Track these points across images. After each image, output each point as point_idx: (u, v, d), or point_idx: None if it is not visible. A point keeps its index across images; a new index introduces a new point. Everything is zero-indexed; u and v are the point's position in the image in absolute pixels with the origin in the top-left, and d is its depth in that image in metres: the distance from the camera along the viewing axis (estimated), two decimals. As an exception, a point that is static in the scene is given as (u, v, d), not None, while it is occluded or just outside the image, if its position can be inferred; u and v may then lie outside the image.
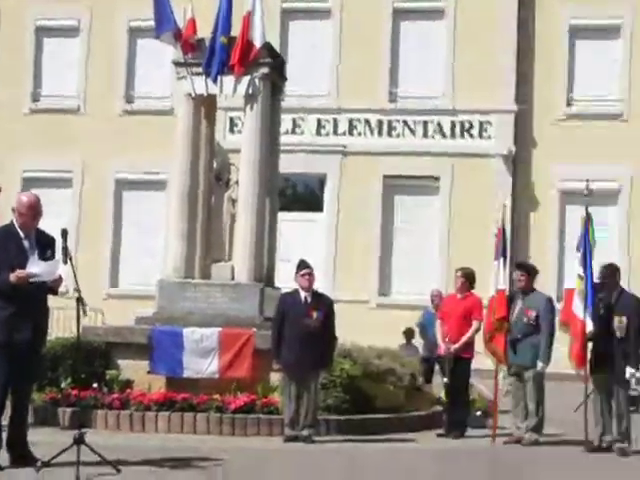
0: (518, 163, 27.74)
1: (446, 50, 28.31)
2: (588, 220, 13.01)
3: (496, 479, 10.41)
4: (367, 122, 28.24)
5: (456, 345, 13.11)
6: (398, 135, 28.15)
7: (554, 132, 27.74)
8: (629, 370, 11.98)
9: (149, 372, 13.13)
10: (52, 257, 9.30)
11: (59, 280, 9.22)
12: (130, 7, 28.06)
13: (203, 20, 14.17)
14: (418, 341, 18.56)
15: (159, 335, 13.18)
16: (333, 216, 28.17)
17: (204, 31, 13.96)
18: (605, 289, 12.39)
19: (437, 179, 27.87)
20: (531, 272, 13.35)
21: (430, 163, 27.67)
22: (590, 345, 12.23)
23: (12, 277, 9.00)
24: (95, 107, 28.77)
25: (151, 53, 27.60)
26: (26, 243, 9.31)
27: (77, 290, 8.98)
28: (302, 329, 12.00)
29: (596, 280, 12.50)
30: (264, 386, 12.96)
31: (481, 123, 27.93)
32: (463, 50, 27.93)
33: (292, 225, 25.25)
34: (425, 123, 28.09)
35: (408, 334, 19.27)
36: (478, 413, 14.24)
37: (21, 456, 9.23)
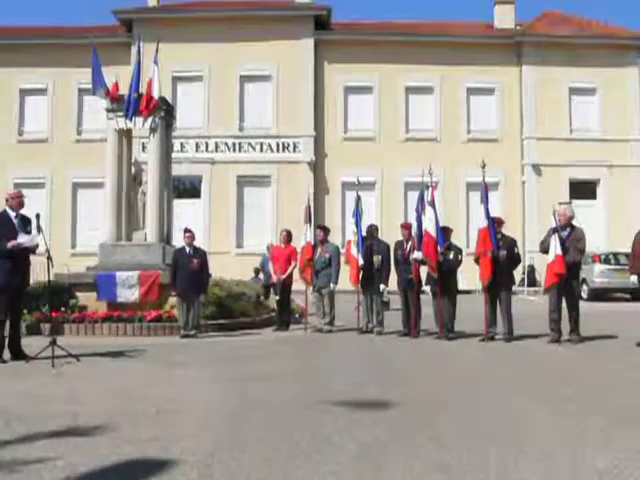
0: (317, 167, 28.25)
1: (272, 98, 28.55)
2: (359, 199, 13.49)
3: (306, 350, 10.72)
4: (226, 144, 28.30)
5: (283, 276, 13.48)
6: (245, 151, 28.36)
7: (337, 148, 28.38)
8: (382, 286, 12.58)
9: (97, 300, 12.98)
10: (30, 231, 9.32)
11: (36, 246, 9.25)
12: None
13: (123, 83, 14.08)
14: (261, 275, 18.92)
15: (101, 277, 13.02)
16: (206, 201, 28.17)
17: (123, 90, 13.83)
18: (368, 239, 12.90)
19: (268, 177, 28.23)
20: (326, 230, 13.71)
21: (265, 168, 28.09)
22: (361, 272, 12.71)
23: (9, 245, 8.99)
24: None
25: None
26: (16, 222, 9.29)
27: (47, 251, 9.04)
28: (187, 269, 12.10)
29: (364, 234, 12.99)
30: (167, 305, 12.99)
31: (294, 143, 28.26)
32: (284, 100, 28.27)
33: (182, 207, 25.17)
34: (261, 143, 28.37)
35: (256, 271, 19.62)
36: (297, 315, 14.67)
37: (18, 354, 9.21)
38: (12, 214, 9.27)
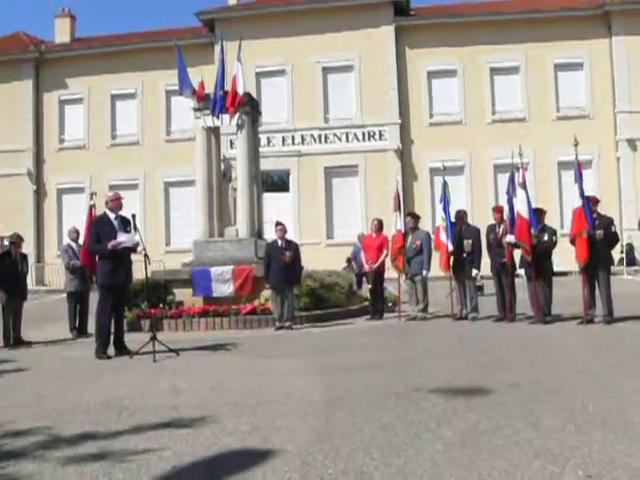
0: (404, 154, 28.07)
1: (355, 88, 28.54)
2: (445, 185, 13.32)
3: (400, 338, 10.66)
4: (312, 136, 28.46)
5: (375, 265, 13.45)
6: (331, 142, 28.44)
7: (423, 134, 28.10)
8: (474, 271, 12.44)
9: (192, 295, 13.28)
10: (130, 231, 9.64)
11: (136, 244, 9.57)
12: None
13: (208, 82, 14.33)
14: (353, 264, 18.95)
15: (196, 273, 13.32)
16: (295, 193, 28.46)
17: (209, 88, 14.05)
18: (458, 224, 12.79)
19: (356, 166, 28.21)
20: (416, 217, 13.58)
21: (352, 158, 28.08)
22: (451, 258, 12.60)
23: (109, 245, 9.35)
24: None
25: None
26: (115, 223, 9.64)
27: (144, 249, 9.35)
28: (280, 262, 12.24)
29: (452, 219, 12.84)
30: (261, 298, 13.17)
31: (380, 131, 28.16)
32: (368, 89, 28.17)
33: (272, 200, 25.53)
34: (347, 134, 28.38)
35: (348, 260, 19.74)
36: (390, 304, 14.49)
37: (121, 349, 9.58)
38: (112, 216, 9.64)
